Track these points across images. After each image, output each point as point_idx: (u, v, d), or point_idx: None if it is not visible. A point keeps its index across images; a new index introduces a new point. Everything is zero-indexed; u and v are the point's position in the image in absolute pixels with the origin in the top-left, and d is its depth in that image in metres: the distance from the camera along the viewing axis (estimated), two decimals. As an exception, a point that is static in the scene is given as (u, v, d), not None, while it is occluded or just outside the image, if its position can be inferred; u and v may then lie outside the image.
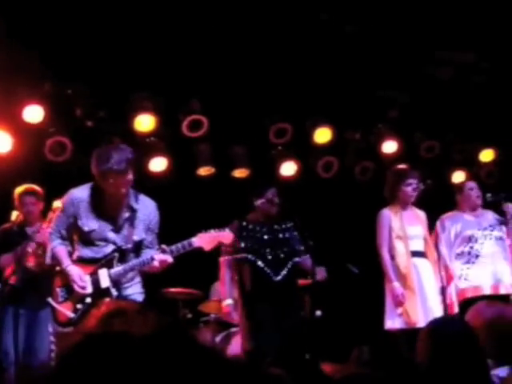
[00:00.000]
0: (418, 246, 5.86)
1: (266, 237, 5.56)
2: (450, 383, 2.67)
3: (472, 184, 6.43)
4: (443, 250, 5.92)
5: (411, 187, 5.90)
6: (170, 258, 4.56)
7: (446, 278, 5.72)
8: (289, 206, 5.75)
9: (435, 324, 3.09)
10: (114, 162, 4.42)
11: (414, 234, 5.86)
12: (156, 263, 4.53)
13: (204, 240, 4.71)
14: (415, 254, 5.81)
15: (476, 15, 7.12)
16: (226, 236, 4.84)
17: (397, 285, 5.63)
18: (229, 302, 5.60)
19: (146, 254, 4.65)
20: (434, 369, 2.71)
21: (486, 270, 6.03)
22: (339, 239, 7.37)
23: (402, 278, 5.68)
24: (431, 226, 6.12)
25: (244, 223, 5.61)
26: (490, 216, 6.29)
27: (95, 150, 4.64)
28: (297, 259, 5.57)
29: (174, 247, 4.61)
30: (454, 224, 6.21)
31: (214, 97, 7.24)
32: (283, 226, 5.66)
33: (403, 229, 5.79)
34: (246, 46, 6.83)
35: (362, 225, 6.32)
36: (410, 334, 5.18)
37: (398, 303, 5.60)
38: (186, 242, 4.66)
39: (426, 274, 5.78)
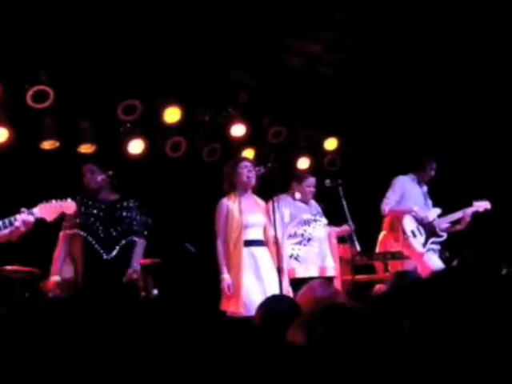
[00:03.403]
0: (257, 234, 5.90)
1: (101, 214, 5.48)
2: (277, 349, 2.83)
3: (312, 181, 6.65)
4: (276, 229, 6.03)
5: (246, 169, 5.94)
6: (31, 218, 4.45)
7: (279, 257, 5.86)
8: (132, 184, 5.71)
9: (267, 301, 3.39)
10: None
11: (253, 223, 5.87)
12: (18, 223, 4.39)
13: (45, 210, 4.60)
14: (253, 242, 5.85)
15: (329, 12, 7.37)
16: (68, 206, 4.74)
17: (226, 276, 5.69)
18: (56, 278, 5.47)
19: None
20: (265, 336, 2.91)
21: (315, 252, 6.32)
22: (182, 219, 7.40)
23: (234, 268, 5.70)
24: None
25: (84, 199, 5.51)
26: (315, 204, 6.62)
27: None
28: (133, 238, 5.52)
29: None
30: (288, 206, 6.42)
31: (62, 69, 7.03)
32: (124, 204, 5.59)
33: (241, 217, 5.80)
34: (99, 21, 6.68)
35: (206, 205, 6.38)
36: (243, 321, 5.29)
37: (226, 295, 5.69)
38: (26, 211, 4.52)
39: (264, 263, 5.83)
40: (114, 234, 5.46)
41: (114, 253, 5.41)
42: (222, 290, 5.67)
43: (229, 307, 5.67)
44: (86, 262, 5.35)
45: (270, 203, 5.83)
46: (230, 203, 5.86)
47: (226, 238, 5.79)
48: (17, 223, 4.42)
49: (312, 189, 6.57)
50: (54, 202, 4.70)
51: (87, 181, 5.58)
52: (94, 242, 5.37)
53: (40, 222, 4.70)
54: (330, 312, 1.49)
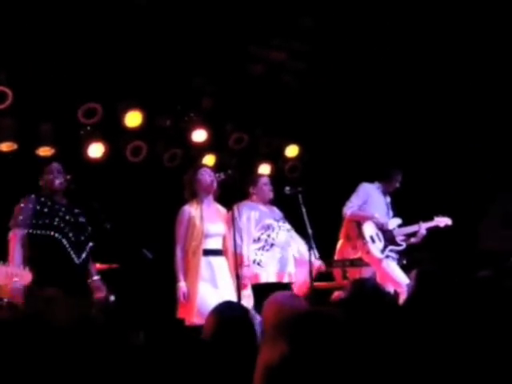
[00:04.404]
0: (216, 244, 5.90)
1: (67, 217, 5.35)
2: (227, 358, 2.81)
3: (266, 179, 6.69)
4: (238, 237, 6.05)
5: (207, 174, 5.96)
6: None
7: (239, 264, 5.87)
8: (91, 188, 5.64)
9: (220, 307, 3.37)
10: None
11: (214, 232, 5.88)
12: None
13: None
14: (212, 252, 5.85)
15: (292, 20, 7.42)
16: (24, 276, 4.59)
17: (182, 284, 5.69)
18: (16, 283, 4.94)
19: None
20: (216, 345, 2.91)
21: (277, 258, 6.33)
22: (141, 224, 7.35)
23: (190, 276, 5.71)
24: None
25: (42, 198, 5.32)
26: (277, 211, 6.62)
27: None
28: (91, 244, 5.44)
29: None
30: (251, 210, 6.43)
31: (22, 69, 6.94)
32: (77, 210, 5.46)
33: (202, 225, 5.79)
34: (61, 22, 6.62)
35: (165, 211, 6.35)
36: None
37: (181, 303, 5.69)
38: None
39: (221, 273, 5.84)
40: (82, 238, 5.37)
41: (83, 257, 5.33)
42: (180, 299, 5.66)
43: (184, 315, 5.67)
44: (57, 265, 5.18)
45: (231, 212, 5.84)
46: (191, 210, 5.86)
47: (185, 245, 5.78)
48: None
49: (268, 187, 6.56)
50: (10, 267, 4.58)
51: (51, 180, 5.37)
52: (67, 246, 5.24)
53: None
54: (311, 318, 1.48)
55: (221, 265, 5.87)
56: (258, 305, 5.22)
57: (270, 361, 1.41)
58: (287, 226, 6.52)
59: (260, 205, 6.51)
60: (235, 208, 5.93)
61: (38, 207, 5.26)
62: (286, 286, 6.10)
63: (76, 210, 5.46)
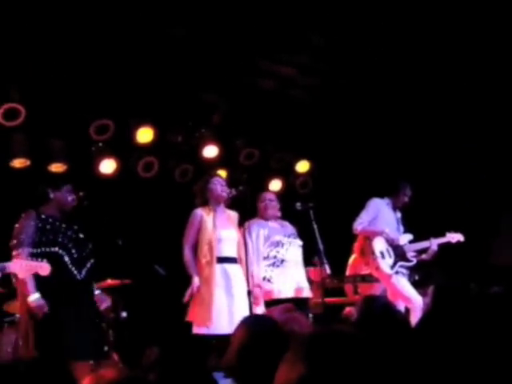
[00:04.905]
0: (230, 250, 5.92)
1: (68, 233, 5.37)
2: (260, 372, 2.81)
3: (271, 195, 6.69)
4: (250, 254, 6.07)
5: (219, 184, 6.00)
6: None
7: (252, 283, 5.89)
8: (102, 204, 5.66)
9: (249, 320, 3.35)
10: None
11: (227, 237, 5.91)
12: None
13: (20, 267, 4.51)
14: (227, 259, 5.87)
15: (302, 35, 7.45)
16: (43, 267, 4.62)
17: (196, 280, 5.69)
18: (37, 295, 5.04)
19: None
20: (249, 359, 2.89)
21: (288, 274, 6.32)
22: (152, 240, 7.37)
23: (206, 283, 5.71)
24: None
25: (43, 215, 5.29)
26: (290, 226, 6.60)
27: None
28: (92, 261, 5.45)
29: None
30: (261, 228, 6.43)
31: (34, 87, 7.00)
32: (76, 227, 5.45)
33: (215, 231, 5.83)
34: (73, 40, 6.68)
35: (177, 226, 6.36)
36: (217, 339, 5.27)
37: (189, 294, 5.67)
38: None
39: (236, 281, 5.84)
40: (84, 254, 5.37)
41: (84, 273, 5.33)
42: (189, 293, 5.63)
43: (195, 318, 5.64)
44: (61, 282, 5.18)
45: (242, 230, 5.89)
46: (204, 214, 5.88)
47: (194, 245, 5.80)
48: None
49: (274, 203, 6.56)
50: (30, 260, 4.60)
51: (65, 197, 5.39)
52: (68, 262, 5.25)
53: None
54: (327, 338, 1.48)
55: (236, 272, 5.86)
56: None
57: (288, 381, 1.41)
58: (299, 241, 6.50)
59: (270, 221, 6.51)
60: (246, 226, 5.94)
61: (40, 224, 5.23)
62: (301, 301, 6.08)
63: (75, 226, 5.46)
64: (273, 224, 6.50)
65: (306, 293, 6.37)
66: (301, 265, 6.44)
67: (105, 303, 5.47)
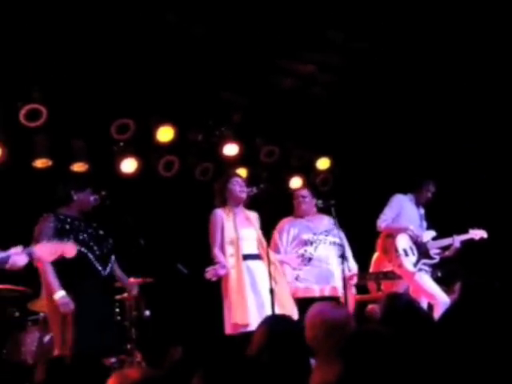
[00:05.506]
0: (252, 248, 5.91)
1: (89, 230, 5.35)
2: (278, 373, 2.79)
3: (305, 192, 6.69)
4: (282, 253, 6.13)
5: (238, 185, 5.99)
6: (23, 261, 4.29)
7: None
8: (124, 204, 5.68)
9: (271, 321, 3.35)
10: None
11: (247, 236, 5.91)
12: (9, 265, 4.24)
13: (45, 250, 4.44)
14: (249, 256, 5.86)
15: (321, 32, 7.43)
16: (69, 249, 4.57)
17: (223, 264, 5.68)
18: (62, 293, 5.05)
19: None
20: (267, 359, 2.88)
21: (315, 272, 6.31)
22: (174, 239, 7.39)
23: (233, 281, 5.70)
24: (268, 229, 6.25)
25: (61, 216, 5.31)
26: (326, 221, 6.57)
27: None
28: (113, 256, 5.49)
29: None
30: (292, 227, 6.46)
31: (55, 87, 7.05)
32: (94, 224, 5.47)
33: (236, 231, 5.84)
34: (93, 40, 6.71)
35: (199, 225, 6.37)
36: (244, 337, 5.25)
37: (212, 273, 5.64)
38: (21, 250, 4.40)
39: (259, 276, 5.82)
40: (105, 250, 5.39)
41: (108, 269, 5.37)
42: (212, 272, 5.63)
43: (234, 318, 5.61)
44: (87, 279, 5.23)
45: (274, 233, 6.03)
46: (224, 215, 5.89)
47: (220, 244, 5.81)
48: (7, 266, 4.26)
49: (307, 199, 6.57)
50: (55, 242, 4.60)
51: (89, 203, 5.44)
52: (93, 259, 5.28)
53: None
54: (364, 338, 1.48)
55: (259, 268, 5.85)
56: (300, 318, 5.21)
57: (325, 381, 1.41)
58: (331, 238, 6.46)
59: (303, 219, 6.52)
60: (277, 227, 6.10)
61: (59, 225, 5.24)
62: (329, 300, 6.04)
63: (94, 224, 5.49)
64: (305, 222, 6.50)
65: (333, 291, 6.33)
66: (333, 262, 6.39)
67: (135, 289, 5.58)
